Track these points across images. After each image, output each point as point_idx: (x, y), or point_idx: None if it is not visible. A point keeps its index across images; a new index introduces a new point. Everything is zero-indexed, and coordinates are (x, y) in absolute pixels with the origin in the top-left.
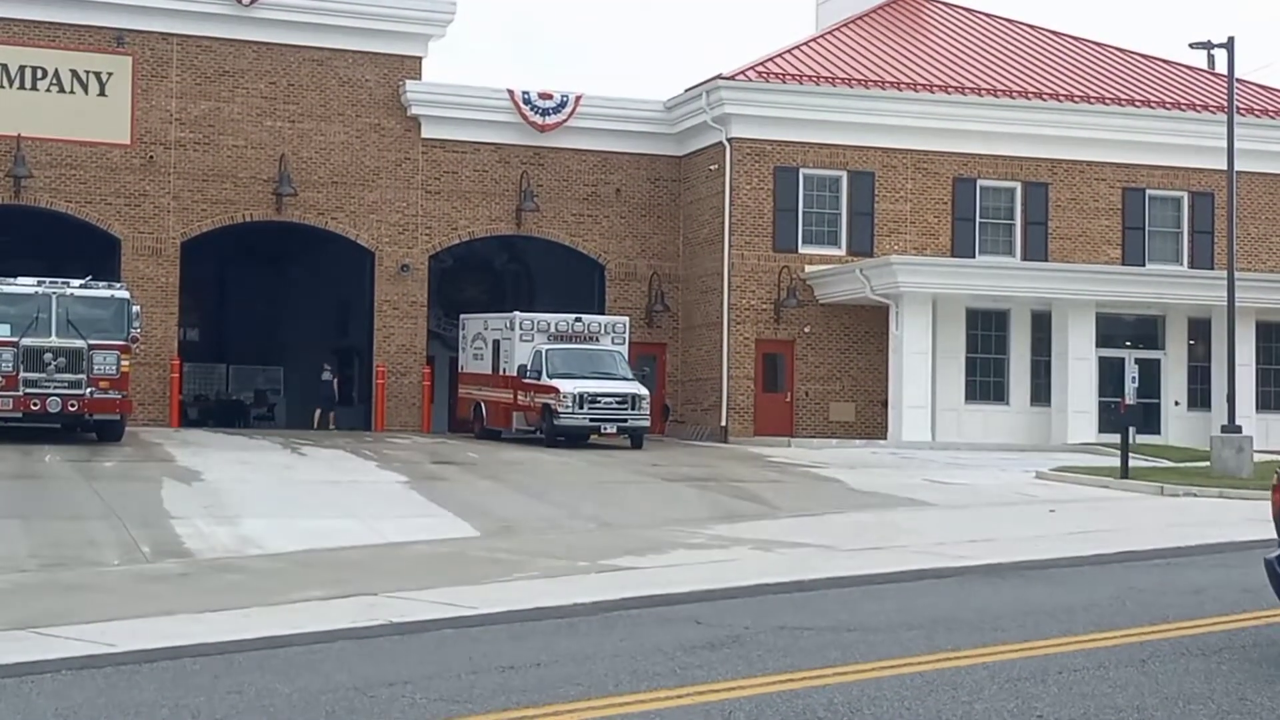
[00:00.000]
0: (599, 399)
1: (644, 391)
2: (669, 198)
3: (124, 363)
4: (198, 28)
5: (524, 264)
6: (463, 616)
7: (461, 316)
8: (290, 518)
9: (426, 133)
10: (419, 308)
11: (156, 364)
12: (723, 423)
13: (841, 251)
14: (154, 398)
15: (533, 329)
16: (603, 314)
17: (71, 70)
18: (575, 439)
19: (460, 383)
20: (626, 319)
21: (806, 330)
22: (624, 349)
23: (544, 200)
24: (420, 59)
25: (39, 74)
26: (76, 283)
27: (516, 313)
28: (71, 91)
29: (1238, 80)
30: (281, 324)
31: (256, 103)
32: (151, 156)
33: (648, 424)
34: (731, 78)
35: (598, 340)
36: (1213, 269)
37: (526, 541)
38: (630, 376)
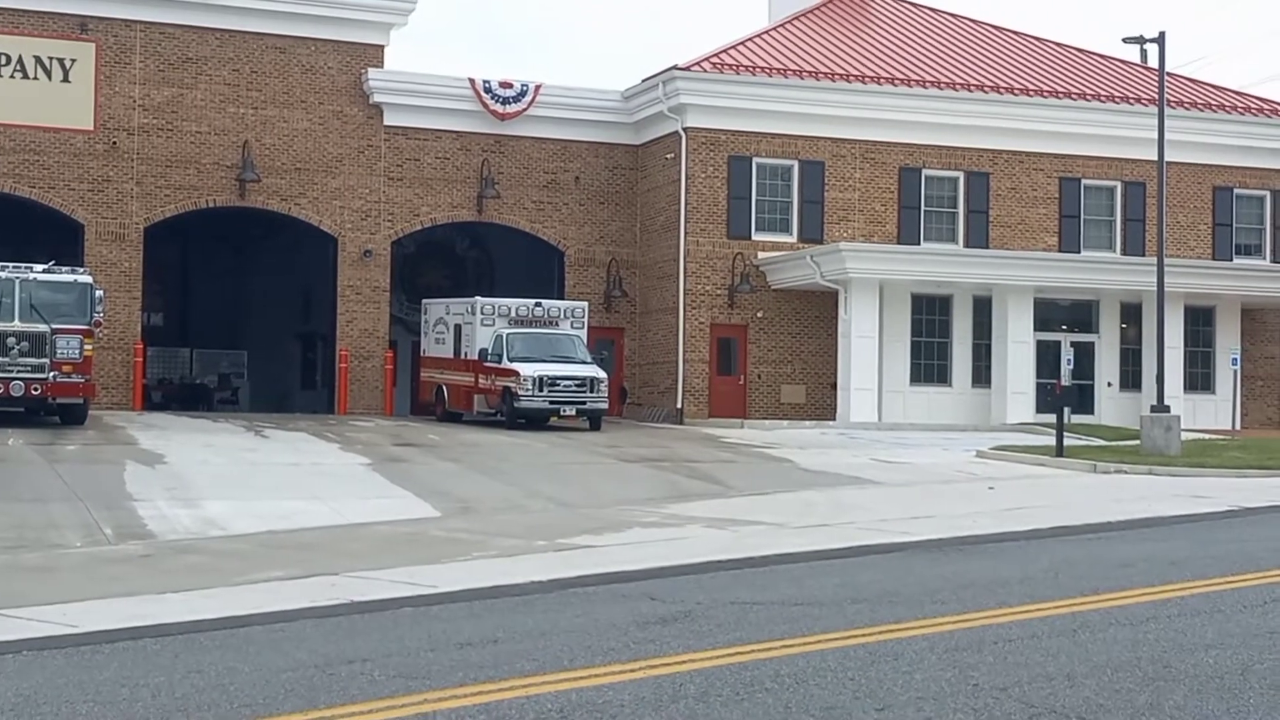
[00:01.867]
0: (558, 382)
1: (602, 375)
2: (626, 185)
3: (87, 347)
4: (161, 14)
5: (485, 250)
6: (422, 595)
7: (424, 301)
8: (252, 500)
9: (389, 120)
10: (381, 293)
11: (120, 348)
12: (678, 405)
13: (793, 239)
14: (117, 382)
15: (494, 313)
16: (562, 299)
17: (35, 56)
18: (535, 421)
19: (422, 366)
20: (585, 304)
21: (759, 315)
22: (583, 333)
23: (504, 187)
24: (382, 47)
25: (2, 60)
26: (39, 268)
27: (478, 297)
28: (35, 78)
29: (1168, 74)
30: (245, 308)
31: (219, 89)
32: (115, 142)
33: (606, 406)
34: (687, 69)
35: (557, 325)
36: (1144, 255)
37: (486, 521)
38: (589, 360)
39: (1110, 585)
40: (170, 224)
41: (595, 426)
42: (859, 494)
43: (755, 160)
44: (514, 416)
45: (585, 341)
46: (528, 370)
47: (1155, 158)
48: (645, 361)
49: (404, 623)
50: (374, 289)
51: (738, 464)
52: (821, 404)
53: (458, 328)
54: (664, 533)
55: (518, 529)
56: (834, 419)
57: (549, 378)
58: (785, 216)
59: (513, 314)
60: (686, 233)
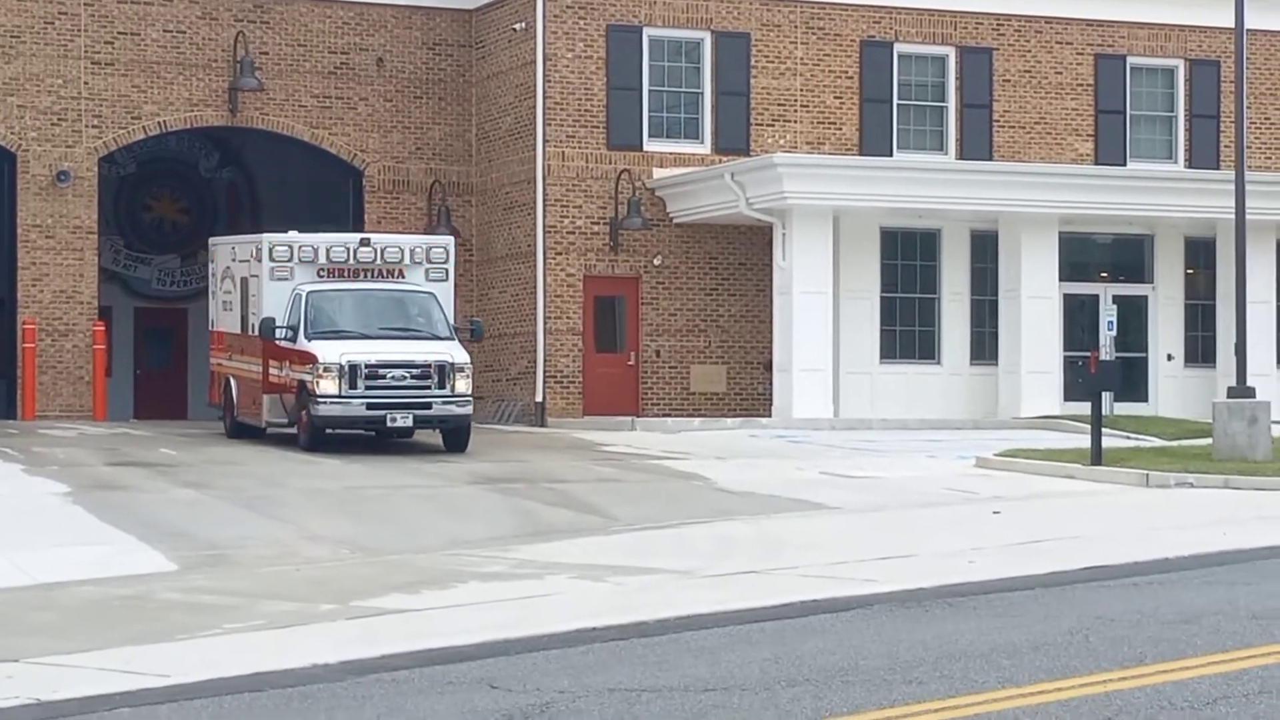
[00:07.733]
0: (383, 372)
1: (460, 358)
2: (455, 71)
3: None
4: None
5: (243, 169)
6: (147, 689)
7: (211, 242)
8: None
9: None
10: (85, 235)
11: None
12: (537, 398)
13: (705, 149)
14: None
15: (291, 260)
16: None
17: None
18: (367, 437)
19: (212, 348)
20: (451, 239)
21: (656, 262)
22: (448, 289)
23: (271, 75)
24: None
25: None
26: None
27: (267, 235)
28: None
29: None
30: None
31: None
32: None
33: (469, 411)
34: None
35: (400, 275)
36: (1219, 169)
37: (245, 576)
38: (449, 335)
39: (1164, 652)
40: None
41: (456, 446)
42: (803, 525)
43: (647, 32)
44: (314, 432)
45: (448, 304)
46: (330, 353)
47: (1233, 24)
48: (487, 334)
49: None
50: (74, 229)
51: (625, 484)
52: (750, 393)
53: (244, 283)
54: (513, 588)
55: (293, 586)
56: (769, 414)
57: (368, 365)
58: (694, 116)
59: (324, 259)
60: (546, 140)
